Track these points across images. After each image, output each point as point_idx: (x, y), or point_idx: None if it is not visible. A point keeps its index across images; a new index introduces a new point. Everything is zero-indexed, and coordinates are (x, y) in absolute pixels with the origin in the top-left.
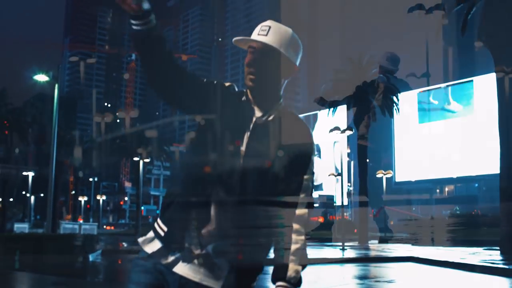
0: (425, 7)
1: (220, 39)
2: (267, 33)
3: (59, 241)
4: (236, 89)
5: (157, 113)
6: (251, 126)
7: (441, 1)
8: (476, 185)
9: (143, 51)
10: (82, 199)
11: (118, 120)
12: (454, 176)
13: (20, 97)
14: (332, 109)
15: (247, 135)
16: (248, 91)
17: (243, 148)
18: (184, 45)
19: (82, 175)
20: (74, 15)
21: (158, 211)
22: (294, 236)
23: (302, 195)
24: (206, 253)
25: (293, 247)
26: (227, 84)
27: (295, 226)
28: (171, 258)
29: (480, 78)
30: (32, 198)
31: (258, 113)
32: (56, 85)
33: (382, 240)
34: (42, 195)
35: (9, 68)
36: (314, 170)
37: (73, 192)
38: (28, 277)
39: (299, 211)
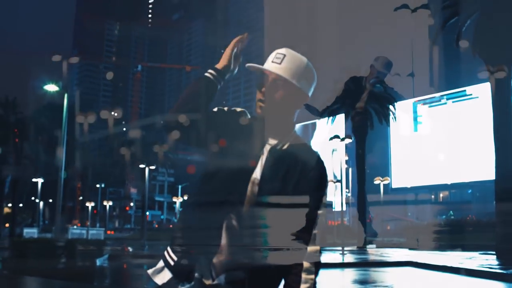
0: (409, 7)
1: (222, 51)
2: (281, 61)
3: (67, 246)
4: (249, 116)
5: (161, 122)
6: (266, 154)
7: (427, 1)
8: (470, 191)
9: (199, 94)
10: (89, 204)
11: (124, 129)
12: (449, 183)
13: (30, 106)
14: (331, 118)
15: (261, 163)
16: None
17: (257, 176)
18: (188, 56)
19: (89, 181)
20: (82, 27)
21: (162, 216)
22: (304, 276)
23: (315, 231)
24: (217, 283)
25: (302, 287)
26: (238, 109)
27: (306, 264)
28: None
29: (473, 88)
30: (41, 203)
31: (272, 141)
32: (65, 95)
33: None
34: (50, 201)
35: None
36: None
37: (81, 198)
38: (36, 282)
39: (311, 248)
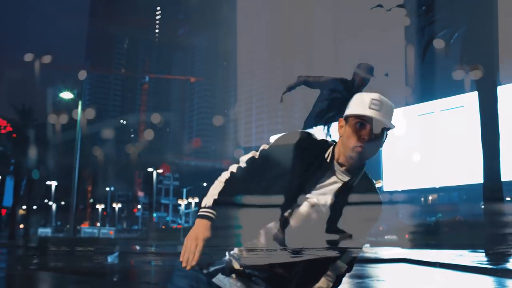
0: (383, 6)
1: (224, 63)
2: (380, 108)
3: (81, 244)
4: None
5: (167, 129)
6: (339, 188)
7: (403, 1)
8: (456, 194)
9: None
10: (100, 206)
11: (132, 135)
12: (437, 186)
13: (45, 113)
14: (326, 126)
15: (331, 195)
16: (338, 152)
17: (319, 201)
18: (192, 69)
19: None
20: (94, 41)
21: (168, 218)
22: (323, 279)
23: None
24: (244, 270)
25: (317, 285)
26: (329, 140)
27: (329, 272)
28: (211, 269)
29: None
30: (54, 205)
31: (343, 176)
32: (80, 102)
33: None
34: (62, 203)
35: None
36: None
37: (91, 200)
38: (51, 277)
39: (341, 263)
